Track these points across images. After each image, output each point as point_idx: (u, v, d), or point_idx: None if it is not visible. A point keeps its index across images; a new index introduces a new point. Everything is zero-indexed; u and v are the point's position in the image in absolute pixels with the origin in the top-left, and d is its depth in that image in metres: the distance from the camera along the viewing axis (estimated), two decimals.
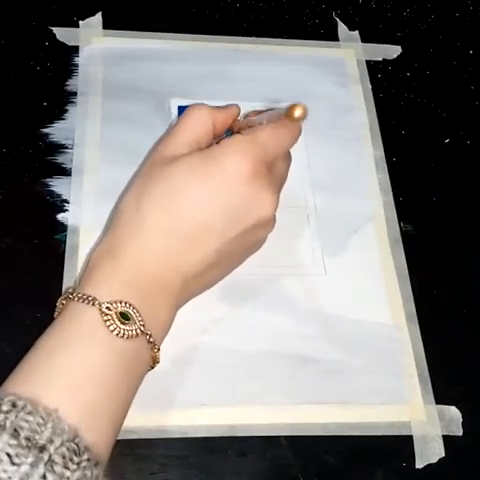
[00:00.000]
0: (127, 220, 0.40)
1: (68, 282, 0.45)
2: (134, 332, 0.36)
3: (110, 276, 0.38)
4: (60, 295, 0.39)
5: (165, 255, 0.39)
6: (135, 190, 0.41)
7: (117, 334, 0.36)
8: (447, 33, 0.63)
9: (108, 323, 0.36)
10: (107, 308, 0.36)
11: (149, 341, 0.38)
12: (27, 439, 0.30)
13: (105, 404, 0.35)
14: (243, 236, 0.41)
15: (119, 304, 0.37)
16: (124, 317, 0.36)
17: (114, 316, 0.36)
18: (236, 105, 0.45)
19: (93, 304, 0.36)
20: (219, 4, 0.61)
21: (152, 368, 0.39)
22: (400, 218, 0.52)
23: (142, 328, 0.37)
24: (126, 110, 0.53)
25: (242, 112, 0.45)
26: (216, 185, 0.39)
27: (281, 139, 0.42)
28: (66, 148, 0.51)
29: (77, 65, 0.55)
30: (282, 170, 0.44)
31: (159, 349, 0.39)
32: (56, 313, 0.38)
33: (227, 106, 0.45)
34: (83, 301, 0.36)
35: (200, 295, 0.44)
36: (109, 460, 0.40)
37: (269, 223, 0.42)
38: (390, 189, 0.53)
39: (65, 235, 0.47)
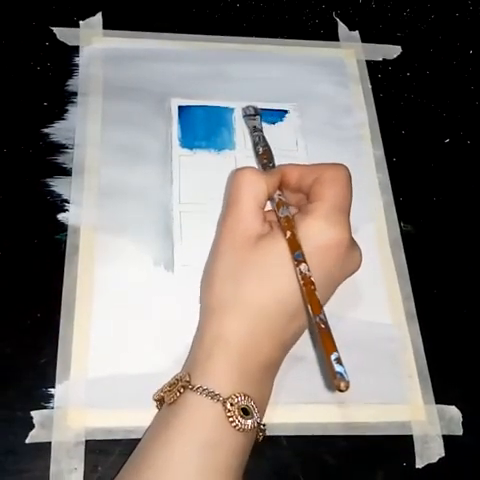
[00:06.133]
0: (227, 304, 0.40)
1: (68, 282, 0.45)
2: (251, 426, 0.37)
3: (227, 367, 0.38)
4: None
5: (272, 334, 0.40)
6: (228, 273, 0.41)
7: (238, 429, 0.37)
8: (447, 33, 0.63)
9: (231, 419, 0.37)
10: (231, 404, 0.37)
11: (262, 430, 0.39)
12: None
13: None
14: (337, 286, 0.43)
15: (240, 398, 0.37)
16: (244, 412, 0.37)
17: (236, 412, 0.37)
18: (281, 169, 0.44)
19: (217, 400, 0.37)
20: (219, 4, 0.61)
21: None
22: (400, 218, 0.52)
23: (258, 420, 0.38)
24: (126, 110, 0.53)
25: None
26: (313, 266, 0.39)
27: (346, 191, 0.42)
28: (66, 148, 0.51)
29: (77, 65, 0.55)
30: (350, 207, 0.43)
31: (264, 431, 0.40)
32: (171, 400, 0.38)
33: (276, 170, 0.45)
34: (206, 396, 0.37)
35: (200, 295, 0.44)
36: (109, 460, 0.40)
37: (359, 266, 0.44)
38: (390, 189, 0.53)
39: (65, 235, 0.47)
